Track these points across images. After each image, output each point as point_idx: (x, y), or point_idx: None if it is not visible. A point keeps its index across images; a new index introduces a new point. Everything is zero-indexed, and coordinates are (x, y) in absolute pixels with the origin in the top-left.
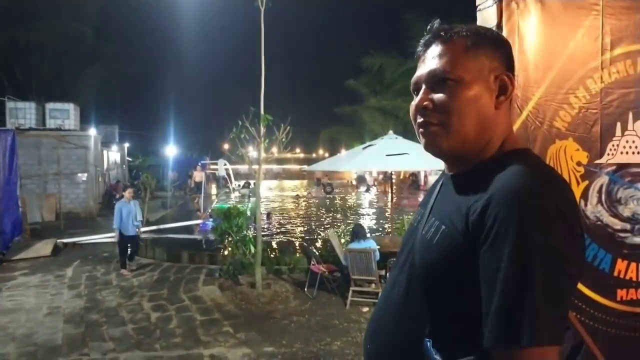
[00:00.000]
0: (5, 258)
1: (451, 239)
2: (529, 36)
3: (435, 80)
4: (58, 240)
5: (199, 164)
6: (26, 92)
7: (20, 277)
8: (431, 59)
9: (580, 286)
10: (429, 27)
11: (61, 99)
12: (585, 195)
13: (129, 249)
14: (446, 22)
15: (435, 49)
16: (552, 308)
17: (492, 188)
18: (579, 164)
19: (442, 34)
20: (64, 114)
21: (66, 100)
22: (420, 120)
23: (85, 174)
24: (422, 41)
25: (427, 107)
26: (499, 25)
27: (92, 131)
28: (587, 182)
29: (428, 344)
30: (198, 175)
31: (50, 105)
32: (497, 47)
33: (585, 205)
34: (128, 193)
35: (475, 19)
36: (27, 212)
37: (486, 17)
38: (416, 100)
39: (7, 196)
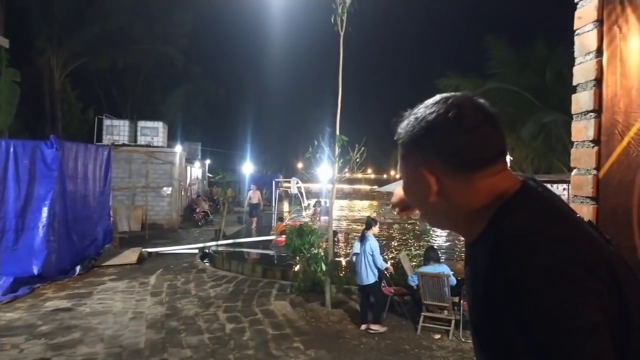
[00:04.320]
0: (96, 264)
1: (476, 310)
2: (631, 60)
3: None
4: (143, 250)
5: (253, 184)
6: (120, 110)
7: (109, 282)
8: None
9: None
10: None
11: (151, 118)
12: None
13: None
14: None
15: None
16: None
17: (482, 262)
18: None
19: (395, 138)
20: (154, 132)
21: (155, 118)
22: None
23: (170, 188)
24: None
25: None
26: (599, 49)
27: (178, 148)
28: None
29: None
30: (254, 196)
31: (141, 123)
32: (418, 143)
33: None
34: (377, 228)
35: (559, 37)
36: (117, 222)
37: (585, 42)
38: None
39: (100, 206)
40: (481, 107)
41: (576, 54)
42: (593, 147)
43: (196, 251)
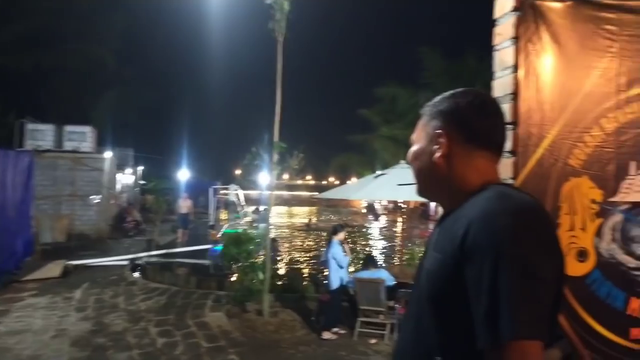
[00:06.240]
0: (15, 278)
1: (445, 265)
2: (544, 76)
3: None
4: (68, 262)
5: (184, 193)
6: (46, 114)
7: (29, 298)
8: None
9: (593, 323)
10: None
11: (80, 122)
12: (599, 232)
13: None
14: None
15: None
16: (528, 307)
17: (471, 214)
18: (593, 201)
19: (421, 111)
20: (81, 137)
21: (85, 123)
22: None
23: (99, 196)
24: None
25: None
26: (516, 65)
27: (107, 154)
28: (601, 219)
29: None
30: (184, 205)
31: (68, 128)
32: (444, 113)
33: (600, 242)
34: (344, 235)
35: (487, 50)
36: (39, 233)
37: (503, 57)
38: None
39: (20, 216)
40: (499, 104)
41: (495, 68)
42: (510, 157)
43: (126, 263)
